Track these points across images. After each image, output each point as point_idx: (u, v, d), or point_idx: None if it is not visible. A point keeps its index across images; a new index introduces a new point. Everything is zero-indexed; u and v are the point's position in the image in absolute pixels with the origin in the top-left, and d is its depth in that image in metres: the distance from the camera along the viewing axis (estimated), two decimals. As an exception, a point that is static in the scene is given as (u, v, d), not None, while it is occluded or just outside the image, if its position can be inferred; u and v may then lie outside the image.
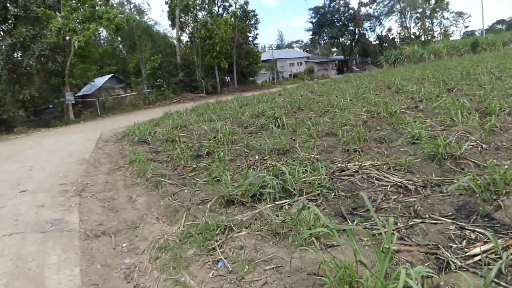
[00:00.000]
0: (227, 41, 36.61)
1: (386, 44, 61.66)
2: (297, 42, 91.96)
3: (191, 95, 33.90)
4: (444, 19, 58.07)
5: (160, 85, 33.84)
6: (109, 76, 36.58)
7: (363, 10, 54.33)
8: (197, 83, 35.87)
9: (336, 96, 13.20)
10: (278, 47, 68.95)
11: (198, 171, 5.87)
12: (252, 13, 43.27)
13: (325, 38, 57.56)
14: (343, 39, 56.65)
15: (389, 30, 59.15)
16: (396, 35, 59.36)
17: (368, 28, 58.40)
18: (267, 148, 6.35)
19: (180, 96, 33.65)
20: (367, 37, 59.86)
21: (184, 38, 39.18)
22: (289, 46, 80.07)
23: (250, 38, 43.96)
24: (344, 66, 60.93)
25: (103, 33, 44.42)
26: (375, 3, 54.29)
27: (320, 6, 55.63)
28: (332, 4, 54.72)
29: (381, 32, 62.20)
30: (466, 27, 67.07)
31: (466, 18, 56.96)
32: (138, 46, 36.43)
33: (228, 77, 41.04)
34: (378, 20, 58.52)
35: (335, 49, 67.74)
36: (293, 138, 7.07)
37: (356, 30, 56.34)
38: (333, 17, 54.45)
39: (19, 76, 24.67)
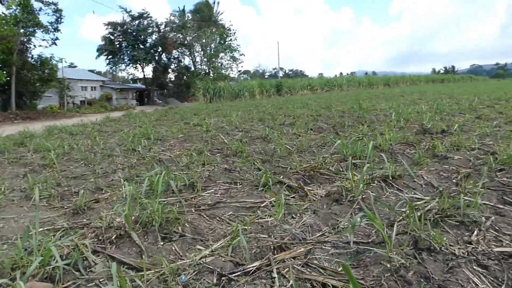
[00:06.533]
0: (7, 41, 24.42)
1: (185, 78, 57.91)
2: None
3: None
4: (226, 61, 58.55)
5: None
6: None
7: (172, 35, 48.73)
8: None
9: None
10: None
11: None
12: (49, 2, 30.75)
13: (126, 61, 48.83)
14: (149, 65, 49.28)
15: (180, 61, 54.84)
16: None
17: (176, 57, 53.06)
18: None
19: None
20: (172, 67, 54.33)
21: None
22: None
23: (45, 43, 31.41)
24: (145, 97, 53.51)
25: None
26: (184, 29, 49.52)
27: (118, 22, 47.05)
28: (135, 22, 46.99)
29: (189, 62, 57.88)
30: (240, 71, 71.13)
31: (239, 63, 59.17)
32: None
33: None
34: (189, 49, 54.07)
35: (130, 77, 59.39)
36: None
37: (163, 56, 50.16)
38: (138, 37, 46.72)
39: None
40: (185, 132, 10.66)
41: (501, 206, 3.50)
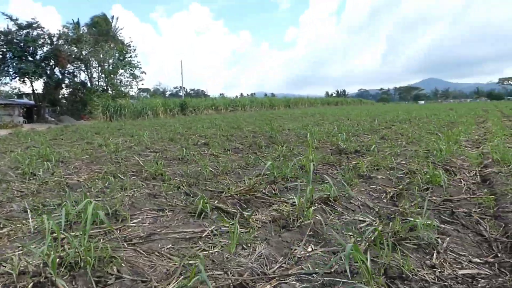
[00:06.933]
0: None
1: (81, 94, 54.43)
2: None
3: None
4: (125, 78, 56.34)
5: None
6: None
7: (66, 48, 45.20)
8: None
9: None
10: None
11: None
12: None
13: (11, 74, 43.93)
14: (39, 79, 44.89)
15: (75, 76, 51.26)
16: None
17: (70, 72, 49.27)
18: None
19: None
20: (66, 82, 50.35)
21: None
22: None
23: None
24: (34, 114, 48.72)
25: None
26: (80, 43, 46.41)
27: (2, 31, 42.34)
28: (22, 32, 42.72)
29: (85, 78, 54.15)
30: (140, 88, 68.77)
31: (140, 80, 57.62)
32: None
33: None
34: (85, 64, 50.63)
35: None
36: None
37: (56, 70, 46.28)
38: (26, 48, 42.44)
39: None
40: (90, 153, 9.72)
41: (442, 226, 3.60)
